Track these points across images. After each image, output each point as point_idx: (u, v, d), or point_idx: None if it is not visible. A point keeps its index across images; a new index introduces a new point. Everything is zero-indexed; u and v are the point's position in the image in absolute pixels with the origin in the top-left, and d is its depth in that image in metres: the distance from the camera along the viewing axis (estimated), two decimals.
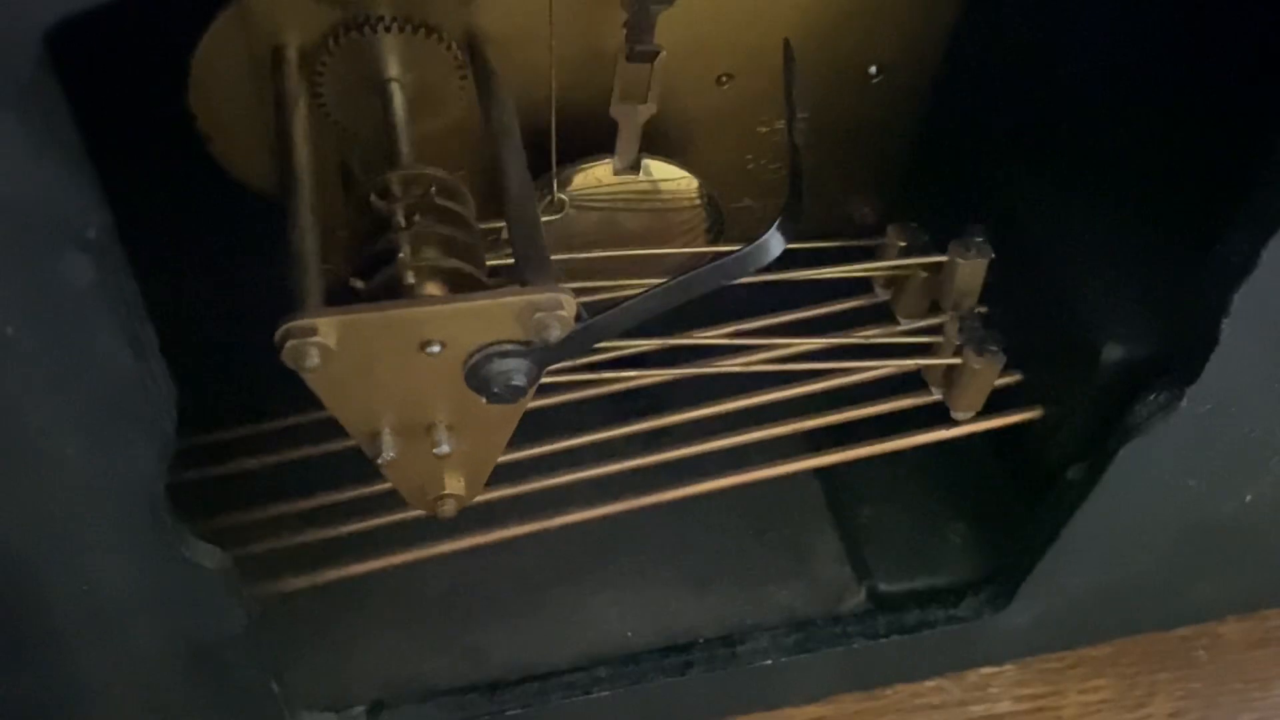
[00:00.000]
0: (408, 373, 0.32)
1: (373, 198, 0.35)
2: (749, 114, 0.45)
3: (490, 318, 0.31)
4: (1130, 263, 0.44)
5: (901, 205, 0.50)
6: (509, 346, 0.32)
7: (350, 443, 0.35)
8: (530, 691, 0.46)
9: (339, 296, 0.32)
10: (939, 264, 0.46)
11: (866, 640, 0.48)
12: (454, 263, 0.33)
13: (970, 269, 0.45)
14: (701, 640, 0.48)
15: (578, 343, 0.32)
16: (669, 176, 0.44)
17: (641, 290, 0.33)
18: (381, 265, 0.33)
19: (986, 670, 0.52)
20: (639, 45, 0.38)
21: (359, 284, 0.34)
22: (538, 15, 0.38)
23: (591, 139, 0.43)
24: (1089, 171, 0.47)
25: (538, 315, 0.31)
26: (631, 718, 0.48)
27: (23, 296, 0.25)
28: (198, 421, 0.37)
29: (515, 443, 0.37)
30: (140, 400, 0.28)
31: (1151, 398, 0.40)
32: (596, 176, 0.43)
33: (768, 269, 0.34)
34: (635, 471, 0.43)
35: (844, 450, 0.45)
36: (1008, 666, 0.52)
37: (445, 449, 0.34)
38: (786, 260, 0.35)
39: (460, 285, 0.33)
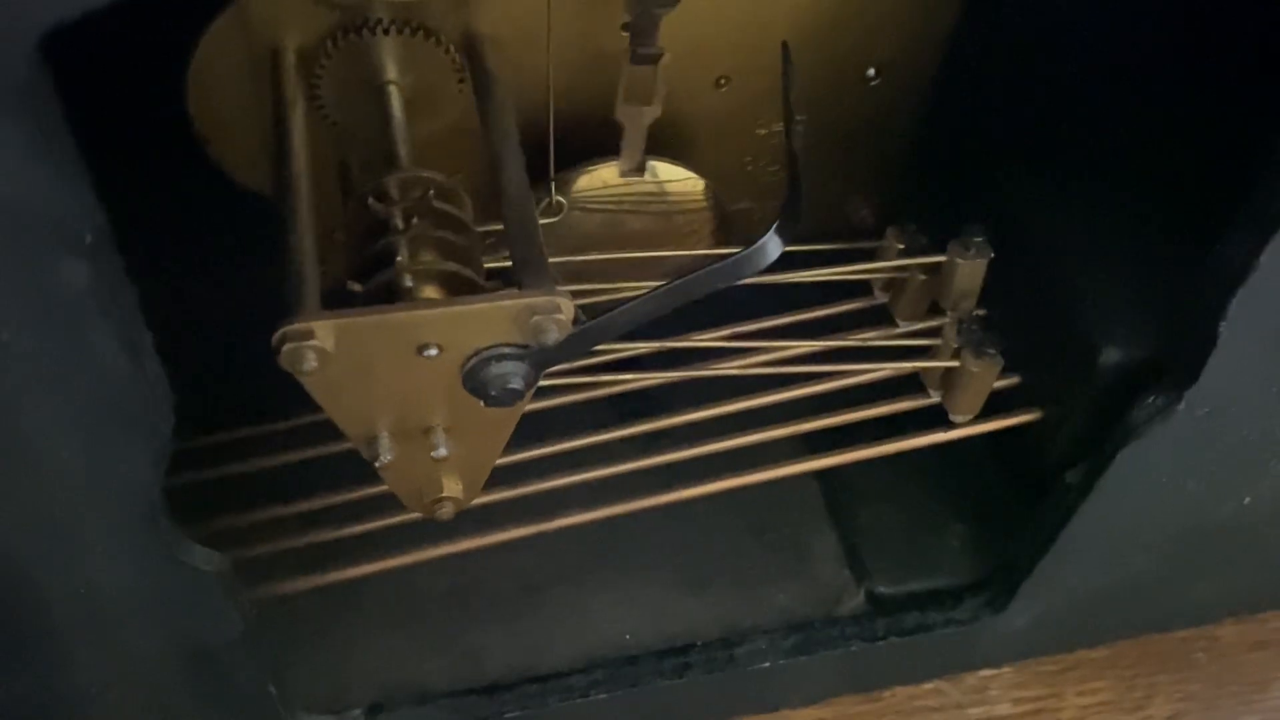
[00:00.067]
0: (405, 376, 0.32)
1: (371, 200, 0.35)
2: (747, 116, 0.45)
3: (488, 321, 0.31)
4: (1129, 265, 0.44)
5: (900, 207, 0.50)
6: (506, 350, 0.32)
7: (348, 445, 0.35)
8: (528, 693, 0.46)
9: (337, 299, 0.32)
10: (938, 265, 0.46)
11: (865, 642, 0.48)
12: (452, 266, 0.33)
13: (970, 269, 0.45)
14: (700, 642, 0.48)
15: (575, 346, 0.32)
16: (675, 178, 0.44)
17: (639, 293, 0.33)
18: (379, 268, 0.33)
19: (985, 673, 0.52)
20: (642, 48, 0.38)
21: (357, 287, 0.34)
22: (536, 17, 0.38)
23: (592, 140, 0.43)
24: (1088, 174, 0.47)
25: (535, 318, 0.31)
26: None
27: (19, 300, 0.25)
28: (195, 424, 0.37)
29: (513, 445, 0.37)
30: (137, 403, 0.28)
31: (1150, 400, 0.40)
32: (602, 178, 0.43)
33: (766, 271, 0.34)
34: (633, 474, 0.43)
35: (842, 452, 0.45)
36: (1006, 669, 0.52)
37: (443, 452, 0.34)
38: (785, 262, 0.35)
39: (458, 288, 0.33)
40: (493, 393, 0.32)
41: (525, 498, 0.42)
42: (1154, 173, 0.45)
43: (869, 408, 0.45)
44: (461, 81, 0.38)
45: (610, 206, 0.44)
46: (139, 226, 0.30)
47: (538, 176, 0.41)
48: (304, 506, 0.42)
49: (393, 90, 0.37)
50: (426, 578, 0.47)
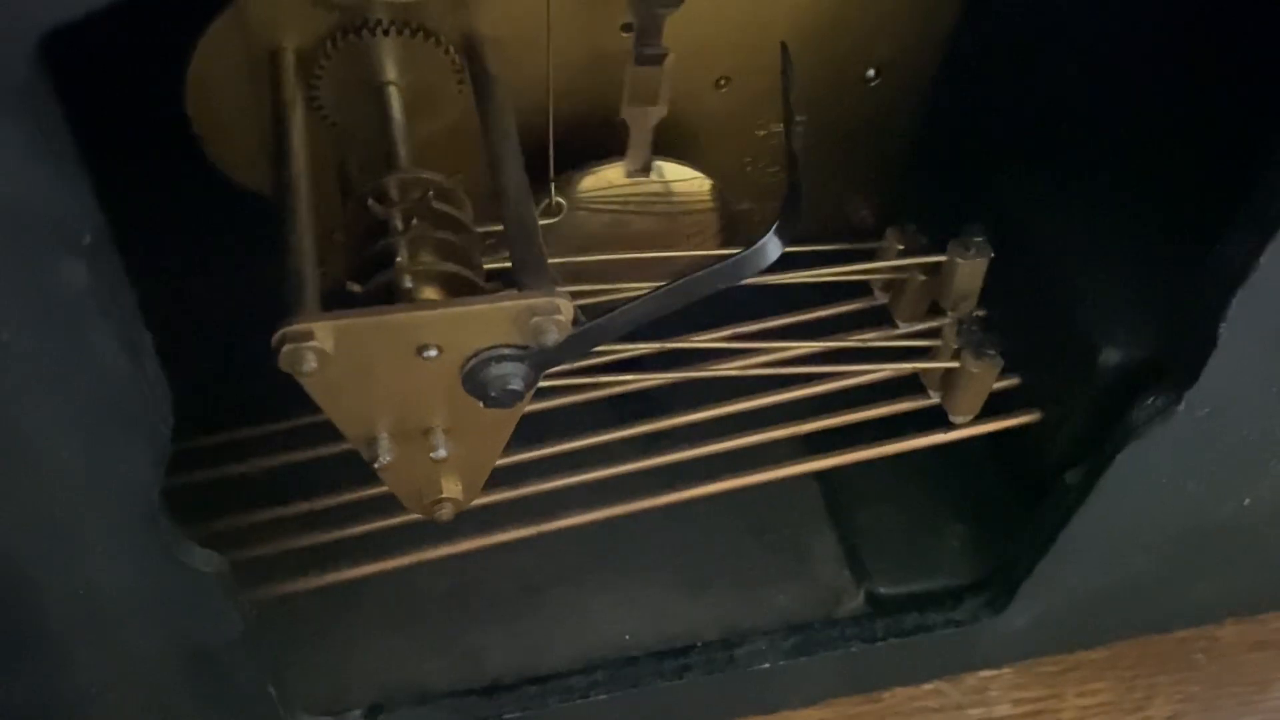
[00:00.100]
0: (405, 377, 0.32)
1: (370, 201, 0.35)
2: (747, 117, 0.45)
3: (487, 322, 0.31)
4: (1129, 265, 0.44)
5: (900, 207, 0.50)
6: (506, 351, 0.31)
7: (347, 446, 0.35)
8: (528, 694, 0.46)
9: (336, 300, 0.32)
10: (938, 265, 0.46)
11: (864, 643, 0.48)
12: (451, 267, 0.33)
13: (970, 269, 0.45)
14: (700, 643, 0.48)
15: (575, 347, 0.32)
16: (681, 178, 0.44)
17: (639, 294, 0.33)
18: (379, 269, 0.33)
19: (985, 673, 0.52)
20: (647, 48, 0.38)
21: (356, 288, 0.34)
22: (536, 18, 0.38)
23: (592, 141, 0.43)
24: (1088, 174, 0.47)
25: (535, 319, 0.31)
26: None
27: (18, 301, 0.25)
28: (195, 424, 0.37)
29: (513, 446, 0.37)
30: (137, 404, 0.28)
31: (1150, 401, 0.40)
32: (608, 178, 0.43)
33: (766, 271, 0.34)
34: (633, 474, 0.43)
35: (842, 453, 0.45)
36: (1006, 670, 0.52)
37: (442, 453, 0.34)
38: (785, 263, 0.35)
39: (457, 289, 0.33)
40: (492, 394, 0.32)
41: (525, 498, 0.42)
42: (1154, 173, 0.45)
43: (869, 408, 0.45)
44: (461, 82, 0.38)
45: (616, 207, 0.44)
46: (138, 227, 0.30)
47: (538, 177, 0.41)
48: (304, 507, 0.42)
49: (392, 91, 0.37)
50: (426, 578, 0.47)
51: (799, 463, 0.45)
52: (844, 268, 0.46)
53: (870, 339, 0.47)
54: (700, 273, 0.33)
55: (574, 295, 0.32)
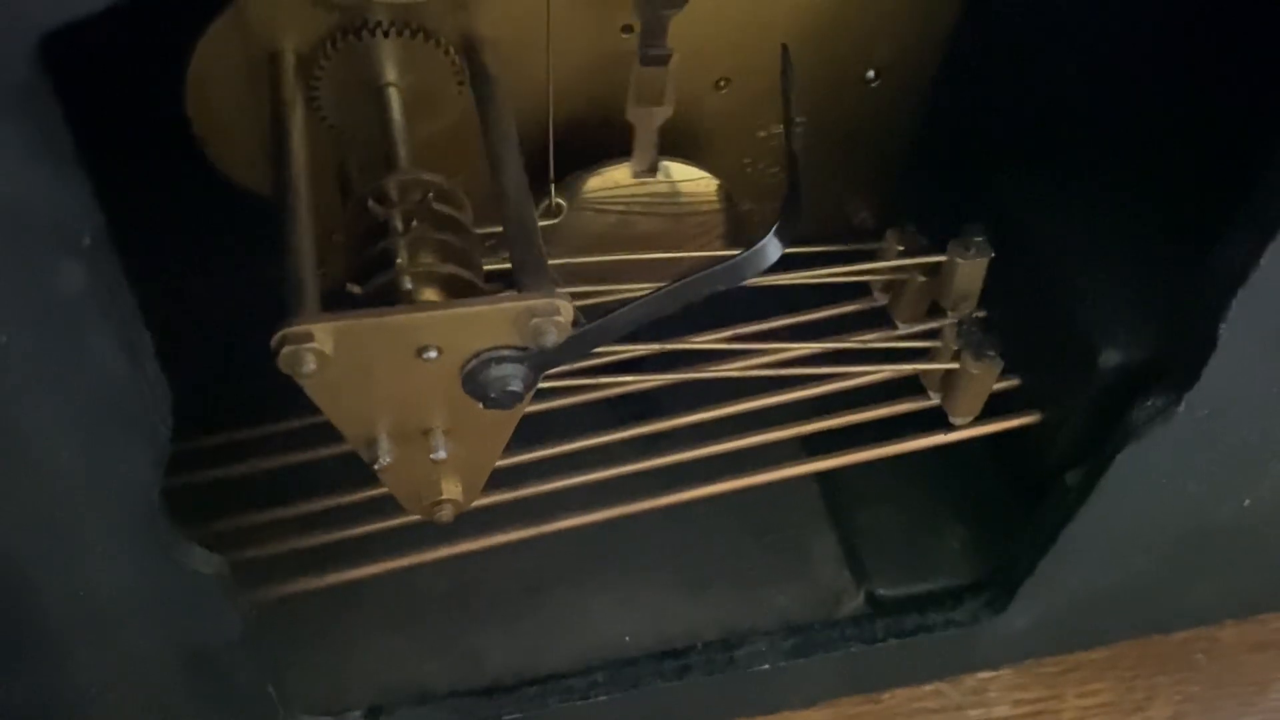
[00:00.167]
0: (404, 378, 0.32)
1: (370, 202, 0.35)
2: (747, 118, 0.45)
3: (487, 323, 0.31)
4: (1129, 266, 0.44)
5: (900, 209, 0.50)
6: (506, 352, 0.31)
7: (347, 447, 0.35)
8: (528, 695, 0.46)
9: (335, 300, 0.32)
10: (938, 265, 0.46)
11: (865, 644, 0.48)
12: (451, 268, 0.33)
13: (970, 269, 0.45)
14: (700, 644, 0.48)
15: (575, 348, 0.32)
16: (688, 178, 0.44)
17: (639, 295, 0.33)
18: (379, 270, 0.33)
19: (984, 674, 0.52)
20: (652, 49, 0.38)
21: (356, 289, 0.34)
22: (535, 19, 0.38)
23: (592, 141, 0.43)
24: (1087, 175, 0.47)
25: (534, 321, 0.31)
26: None
27: (18, 302, 0.25)
28: (194, 425, 0.37)
29: (512, 447, 0.37)
30: (135, 405, 0.28)
31: (1150, 402, 0.40)
32: (615, 179, 0.43)
33: (766, 272, 0.34)
34: (633, 475, 0.43)
35: (842, 455, 0.45)
36: (1005, 670, 0.52)
37: (442, 454, 0.34)
38: (785, 264, 0.35)
39: (457, 291, 0.33)
40: (492, 395, 0.32)
41: (525, 500, 0.42)
42: (1154, 173, 0.45)
43: (869, 409, 0.45)
44: (461, 83, 0.38)
45: (622, 207, 0.44)
46: (138, 227, 0.30)
47: (539, 178, 0.41)
48: (303, 508, 0.42)
49: (392, 92, 0.37)
50: (426, 579, 0.47)
51: (799, 464, 0.45)
52: (844, 268, 0.46)
53: (870, 340, 0.47)
54: (700, 274, 0.33)
55: (574, 296, 0.32)
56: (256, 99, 0.37)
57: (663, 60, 0.39)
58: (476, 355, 0.31)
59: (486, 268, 0.35)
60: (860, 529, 0.51)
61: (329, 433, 0.34)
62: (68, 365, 0.26)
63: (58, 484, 0.29)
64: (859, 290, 0.48)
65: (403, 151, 0.36)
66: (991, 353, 0.44)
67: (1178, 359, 0.39)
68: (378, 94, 0.37)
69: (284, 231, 0.32)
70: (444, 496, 0.37)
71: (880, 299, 0.48)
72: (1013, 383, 0.46)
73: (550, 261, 0.33)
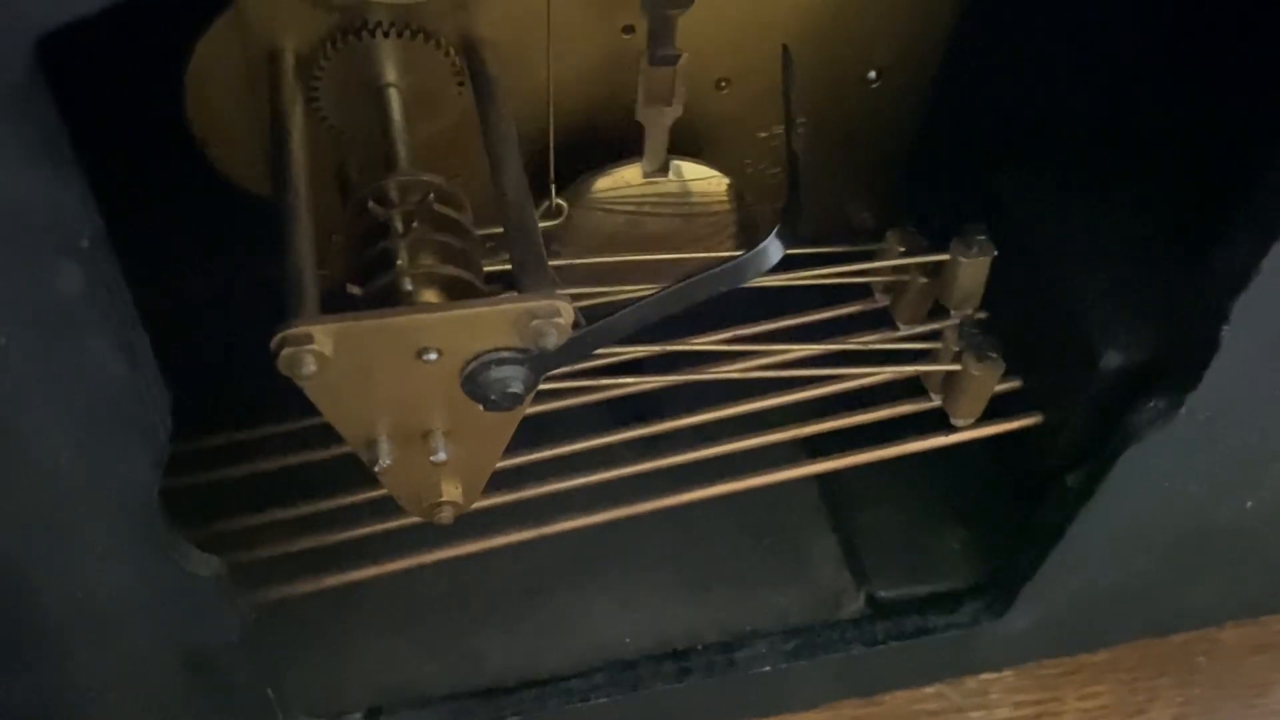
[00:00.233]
0: (404, 380, 0.32)
1: (370, 203, 0.35)
2: (748, 119, 0.45)
3: (487, 325, 0.31)
4: (1130, 268, 0.44)
5: (901, 210, 0.49)
6: (506, 354, 0.31)
7: (346, 449, 0.35)
8: (528, 697, 0.46)
9: (335, 302, 0.31)
10: (940, 264, 0.45)
11: (865, 646, 0.48)
12: (451, 270, 0.33)
13: (973, 268, 0.45)
14: (700, 646, 0.48)
15: (575, 350, 0.32)
16: (699, 176, 0.44)
17: (640, 296, 0.33)
18: (379, 271, 0.33)
19: (985, 676, 0.52)
20: (661, 49, 0.38)
21: (356, 290, 0.33)
22: (536, 20, 0.38)
23: (593, 142, 0.42)
24: (1089, 177, 0.47)
25: (535, 322, 0.31)
26: None
27: (16, 304, 0.25)
28: (193, 427, 0.37)
29: (512, 448, 0.37)
30: (134, 407, 0.28)
31: (1151, 404, 0.40)
32: (625, 178, 0.43)
33: (767, 274, 0.34)
34: (633, 477, 0.43)
35: (843, 456, 0.45)
36: (1006, 673, 0.52)
37: (442, 456, 0.34)
38: (785, 265, 0.35)
39: (458, 292, 0.33)
40: (492, 397, 0.32)
41: (525, 501, 0.42)
42: (1155, 174, 0.45)
43: (869, 411, 0.45)
44: (461, 84, 0.38)
45: (631, 207, 0.44)
46: (137, 228, 0.30)
47: (540, 179, 0.41)
48: (303, 510, 0.42)
49: (392, 93, 0.37)
50: (426, 580, 0.47)
51: (800, 465, 0.45)
52: (845, 267, 0.46)
53: (871, 342, 0.46)
54: (702, 275, 0.33)
55: (575, 297, 0.32)
56: (256, 99, 0.37)
57: (672, 60, 0.39)
58: (477, 357, 0.31)
59: (487, 269, 0.35)
60: (861, 531, 0.51)
61: (328, 434, 0.34)
62: (67, 366, 0.26)
63: (57, 485, 0.29)
64: (860, 292, 0.48)
65: (403, 152, 0.36)
66: (993, 354, 0.44)
67: (1179, 361, 0.39)
68: (378, 94, 0.37)
69: (284, 232, 0.32)
70: (444, 498, 0.37)
71: (881, 300, 0.48)
72: (1014, 384, 0.46)
73: (553, 263, 0.33)
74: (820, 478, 0.51)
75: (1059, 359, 0.44)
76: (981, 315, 0.46)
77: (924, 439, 0.45)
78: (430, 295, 0.33)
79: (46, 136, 0.23)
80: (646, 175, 0.43)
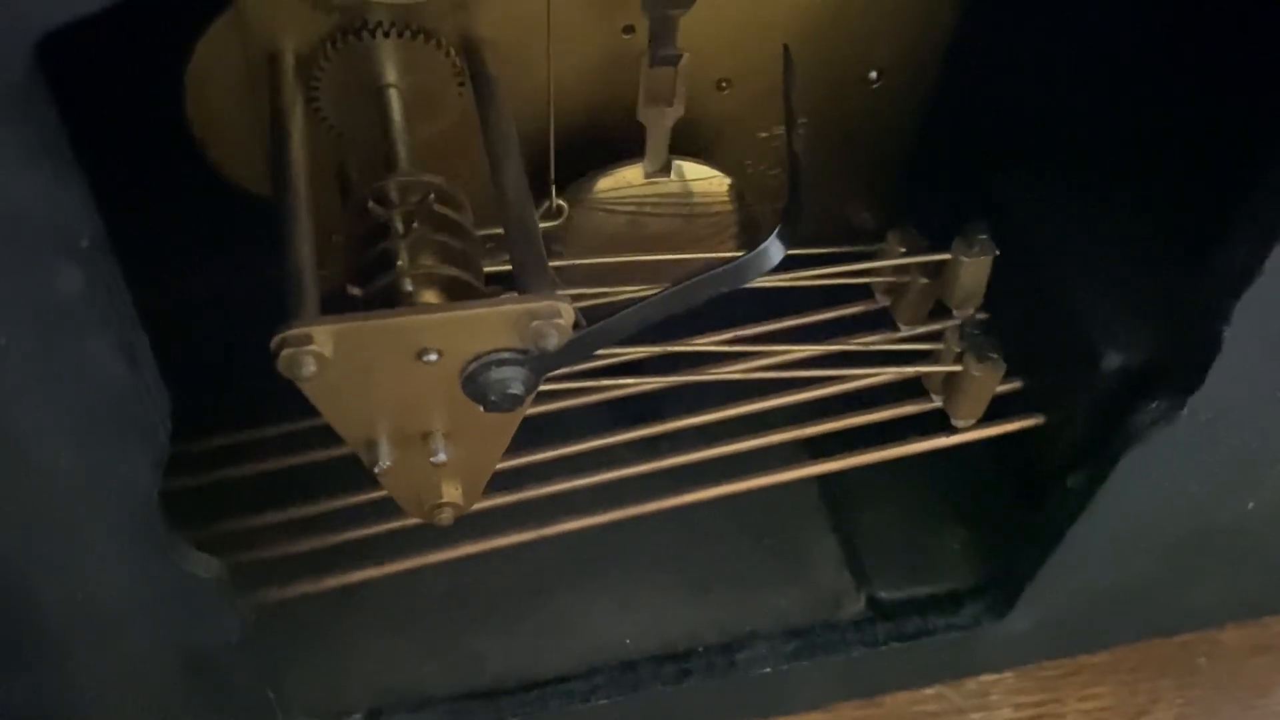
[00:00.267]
0: (405, 381, 0.32)
1: (370, 204, 0.35)
2: (748, 119, 0.45)
3: (487, 326, 0.31)
4: (1131, 269, 0.44)
5: (902, 210, 0.49)
6: (506, 355, 0.31)
7: (346, 450, 0.35)
8: (528, 699, 0.46)
9: (335, 303, 0.31)
10: (942, 264, 0.45)
11: (866, 648, 0.48)
12: (452, 270, 0.33)
13: (974, 267, 0.45)
14: (700, 647, 0.48)
15: (576, 351, 0.32)
16: (700, 176, 0.44)
17: (641, 297, 0.33)
18: (379, 272, 0.33)
19: (986, 677, 0.52)
20: (662, 50, 0.38)
21: (356, 291, 0.33)
22: (536, 20, 0.38)
23: (594, 143, 0.42)
24: (1089, 177, 0.46)
25: (535, 324, 0.31)
26: None
27: (15, 305, 0.25)
28: (192, 428, 0.37)
29: (513, 449, 0.37)
30: (134, 408, 0.28)
31: (1153, 405, 0.40)
32: (626, 178, 0.43)
33: (768, 274, 0.34)
34: (634, 478, 0.43)
35: (843, 457, 0.45)
36: (1007, 674, 0.52)
37: (442, 457, 0.34)
38: (786, 266, 0.35)
39: (458, 293, 0.33)
40: (492, 398, 0.32)
41: (525, 502, 0.42)
42: (1155, 175, 0.45)
43: (870, 412, 0.45)
44: (461, 84, 0.38)
45: (633, 208, 0.44)
46: (137, 229, 0.30)
47: (540, 180, 0.41)
48: (302, 511, 0.42)
49: (392, 93, 0.37)
50: (426, 581, 0.47)
51: (800, 466, 0.45)
52: (846, 267, 0.46)
53: (872, 342, 0.46)
54: (703, 276, 0.32)
55: (575, 298, 0.32)
56: (256, 100, 0.37)
57: (674, 61, 0.39)
58: (477, 358, 0.31)
59: (487, 270, 0.35)
60: (862, 532, 0.51)
61: (328, 435, 0.34)
62: (66, 368, 0.26)
63: (57, 486, 0.29)
64: (861, 292, 0.48)
65: (403, 153, 0.36)
66: (994, 355, 0.44)
67: (1180, 362, 0.39)
68: (378, 95, 0.37)
69: (283, 233, 0.32)
70: (444, 499, 0.37)
71: (882, 301, 0.48)
72: (1015, 385, 0.46)
73: (554, 263, 0.33)
74: (821, 478, 0.51)
75: (1060, 360, 0.44)
76: (982, 316, 0.46)
77: (925, 440, 0.45)
78: (430, 296, 0.33)
79: (46, 137, 0.23)
80: (648, 175, 0.43)
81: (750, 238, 0.46)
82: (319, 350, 0.30)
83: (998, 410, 0.46)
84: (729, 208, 0.45)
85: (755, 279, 0.33)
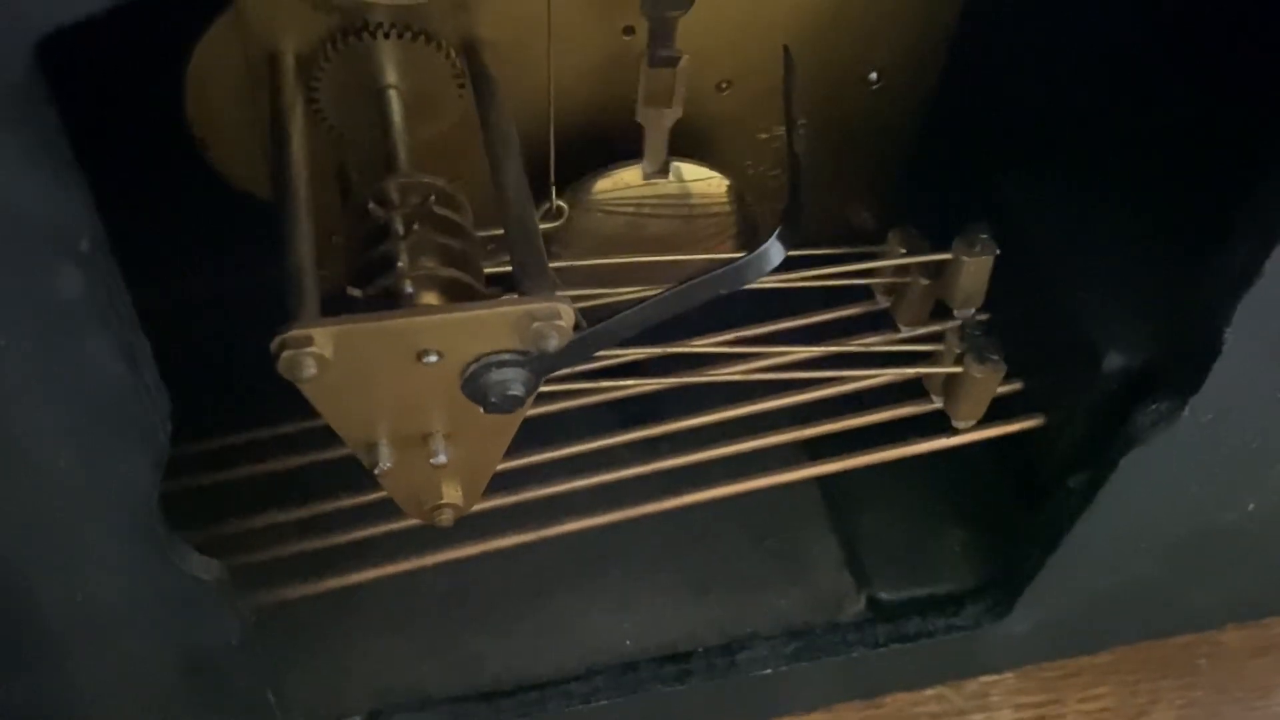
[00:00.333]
0: (405, 382, 0.32)
1: (371, 205, 0.35)
2: (748, 120, 0.45)
3: (488, 328, 0.31)
4: (1132, 269, 0.44)
5: (902, 211, 0.49)
6: (507, 356, 0.31)
7: (346, 451, 0.35)
8: (528, 700, 0.46)
9: (336, 304, 0.31)
10: (943, 264, 0.45)
11: (866, 649, 0.48)
12: (452, 272, 0.33)
13: (976, 266, 0.45)
14: (701, 648, 0.47)
15: (576, 352, 0.32)
16: (699, 177, 0.44)
17: (641, 298, 0.33)
18: (379, 274, 0.33)
19: (987, 678, 0.52)
20: (661, 51, 0.38)
21: (356, 292, 0.33)
22: (536, 21, 0.38)
23: (594, 144, 0.42)
24: (1090, 177, 0.46)
25: (535, 325, 0.31)
26: None
27: (15, 307, 0.25)
28: (192, 430, 0.37)
29: (513, 450, 0.37)
30: (134, 410, 0.28)
31: (1153, 407, 0.40)
32: (624, 180, 0.43)
33: (768, 275, 0.34)
34: (634, 479, 0.43)
35: (844, 458, 0.45)
36: (1008, 675, 0.52)
37: (442, 459, 0.34)
38: (786, 267, 0.35)
39: (458, 295, 0.33)
40: (493, 399, 0.32)
41: (525, 503, 0.42)
42: (1157, 176, 0.45)
43: (871, 413, 0.45)
44: (461, 86, 0.38)
45: (632, 209, 0.44)
46: (137, 231, 0.30)
47: (540, 181, 0.41)
48: (302, 512, 0.42)
49: (392, 94, 0.37)
50: (426, 582, 0.46)
51: (801, 467, 0.45)
52: (847, 267, 0.46)
53: (872, 343, 0.46)
54: (704, 277, 0.32)
55: (575, 299, 0.32)
56: (256, 101, 0.37)
57: (672, 62, 0.39)
58: (477, 359, 0.31)
59: (487, 271, 0.35)
60: (862, 533, 0.51)
61: (328, 437, 0.34)
62: (66, 369, 0.26)
63: (56, 488, 0.29)
64: (861, 293, 0.48)
65: (403, 154, 0.36)
66: (994, 356, 0.44)
67: (1181, 363, 0.39)
68: (378, 96, 0.37)
69: (283, 234, 0.32)
70: (444, 501, 0.37)
71: (883, 302, 0.48)
72: (1015, 386, 0.46)
73: (554, 264, 0.33)
74: (821, 480, 0.51)
75: (1060, 361, 0.44)
76: (983, 317, 0.46)
77: (925, 441, 0.45)
78: (431, 297, 0.33)
79: (46, 138, 0.23)
80: (646, 177, 0.43)
81: (749, 238, 0.46)
82: (319, 352, 0.30)
83: (998, 411, 0.45)
84: (727, 209, 0.45)
85: (756, 280, 0.33)
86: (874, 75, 0.45)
